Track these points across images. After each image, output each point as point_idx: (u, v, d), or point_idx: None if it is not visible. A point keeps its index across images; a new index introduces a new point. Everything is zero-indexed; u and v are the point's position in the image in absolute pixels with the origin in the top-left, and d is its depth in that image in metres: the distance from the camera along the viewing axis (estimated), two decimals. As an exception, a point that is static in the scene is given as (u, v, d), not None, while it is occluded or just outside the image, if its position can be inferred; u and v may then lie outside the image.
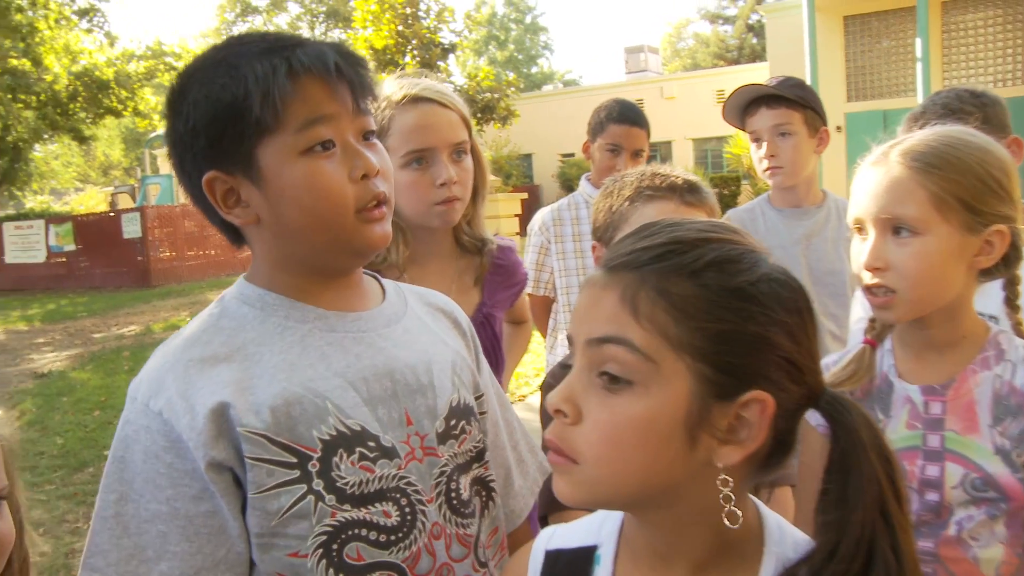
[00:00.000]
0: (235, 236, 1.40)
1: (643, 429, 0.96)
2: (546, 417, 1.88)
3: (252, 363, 1.28)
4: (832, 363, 1.78)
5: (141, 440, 1.23)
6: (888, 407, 1.67)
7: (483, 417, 1.55)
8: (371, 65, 1.40)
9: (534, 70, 66.37)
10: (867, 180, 1.65)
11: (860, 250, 1.66)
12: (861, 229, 1.67)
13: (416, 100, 2.13)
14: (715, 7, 54.29)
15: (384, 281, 1.54)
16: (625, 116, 3.48)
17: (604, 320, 0.99)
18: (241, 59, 1.26)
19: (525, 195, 14.91)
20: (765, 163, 2.93)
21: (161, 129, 30.77)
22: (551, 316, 3.70)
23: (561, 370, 1.80)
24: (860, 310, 2.24)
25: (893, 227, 1.60)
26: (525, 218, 10.18)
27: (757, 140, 2.95)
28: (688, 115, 30.88)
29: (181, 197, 28.58)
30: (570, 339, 1.05)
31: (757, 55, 41.61)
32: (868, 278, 1.63)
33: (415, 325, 1.47)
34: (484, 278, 2.31)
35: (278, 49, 1.27)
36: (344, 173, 1.29)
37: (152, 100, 27.66)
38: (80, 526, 5.44)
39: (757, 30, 45.92)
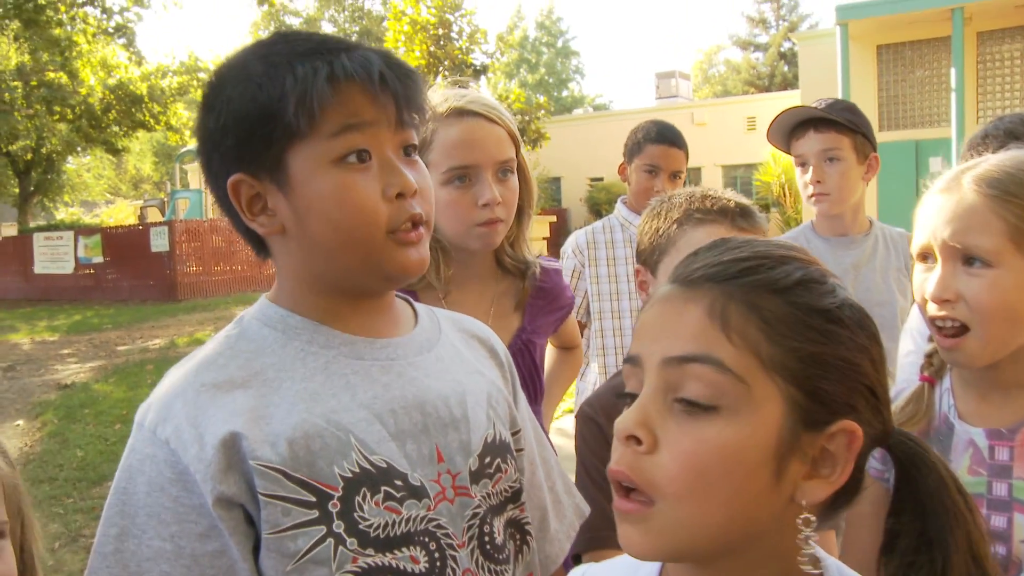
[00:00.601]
0: (260, 246, 1.30)
1: (731, 460, 0.86)
2: (586, 447, 1.77)
3: (270, 390, 1.18)
4: None
5: (146, 471, 1.14)
6: (948, 451, 1.55)
7: (520, 454, 1.44)
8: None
9: (564, 94, 66.49)
10: (936, 207, 1.52)
11: (925, 280, 1.53)
12: (926, 258, 1.54)
13: (462, 113, 1.99)
14: (746, 34, 54.05)
15: (417, 305, 1.43)
16: (664, 136, 3.39)
17: (688, 337, 0.89)
18: (282, 58, 1.19)
19: (554, 218, 14.84)
20: (811, 189, 2.81)
21: (192, 144, 31.12)
22: (584, 341, 3.60)
23: (611, 396, 1.69)
24: (911, 343, 2.12)
25: (964, 257, 1.47)
26: (553, 241, 10.09)
27: (803, 164, 2.84)
28: (718, 141, 30.69)
29: (210, 212, 28.87)
30: (634, 359, 0.93)
31: (788, 83, 41.50)
32: (935, 310, 1.51)
33: (449, 353, 1.37)
34: (525, 302, 2.18)
35: (323, 52, 1.18)
36: (378, 189, 1.20)
37: (184, 115, 27.91)
38: (96, 542, 5.37)
39: (788, 58, 45.86)
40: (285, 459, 1.13)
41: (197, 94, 28.49)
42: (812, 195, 2.83)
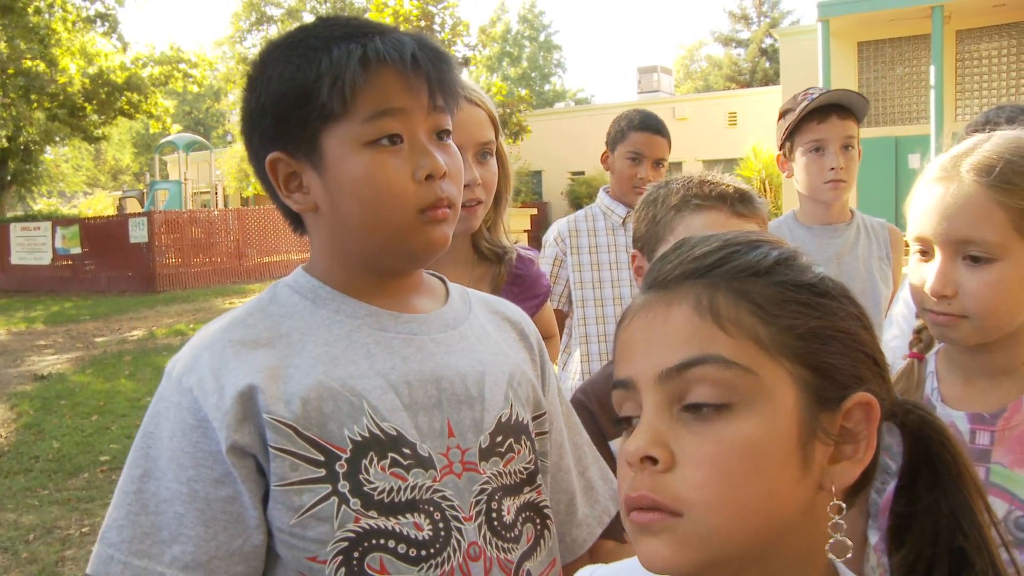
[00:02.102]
0: (297, 222, 1.35)
1: (757, 455, 0.81)
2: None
3: (293, 352, 1.23)
4: None
5: (171, 417, 1.20)
6: None
7: (542, 438, 1.44)
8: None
9: (547, 87, 66.54)
10: (934, 197, 1.48)
11: (923, 273, 1.50)
12: (926, 252, 1.51)
13: None
14: (728, 30, 54.21)
15: (451, 285, 1.46)
16: (647, 124, 3.38)
17: (680, 342, 0.84)
18: (320, 41, 1.23)
19: (535, 211, 14.86)
20: (829, 175, 2.80)
21: (171, 134, 30.95)
22: (565, 331, 3.58)
23: (605, 383, 1.66)
24: (895, 329, 2.11)
25: (966, 251, 1.44)
26: (534, 234, 10.07)
27: (818, 150, 2.82)
28: (700, 136, 30.81)
29: (189, 203, 28.74)
30: (626, 383, 0.88)
31: (769, 79, 41.59)
32: (932, 304, 1.48)
33: (475, 333, 1.39)
34: (501, 288, 2.18)
35: (357, 35, 1.22)
36: (408, 171, 1.23)
37: (165, 104, 27.73)
38: (72, 533, 5.33)
39: (770, 54, 45.98)
40: (298, 416, 1.18)
41: (178, 84, 28.34)
42: (831, 181, 2.81)
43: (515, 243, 2.25)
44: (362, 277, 1.31)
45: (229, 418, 1.16)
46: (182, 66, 27.77)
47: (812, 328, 0.84)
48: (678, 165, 31.98)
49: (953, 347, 1.56)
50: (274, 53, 1.27)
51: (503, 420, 1.33)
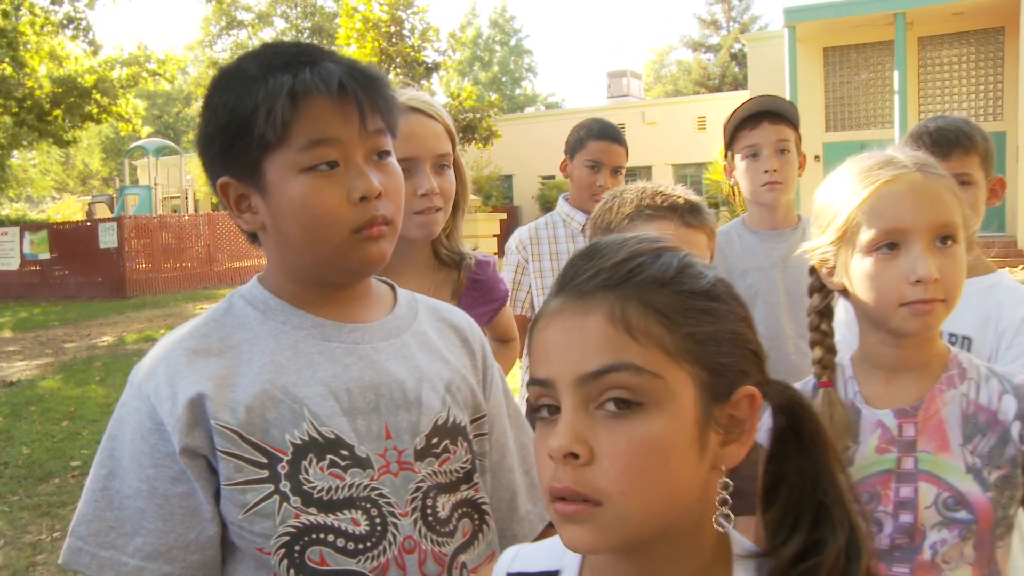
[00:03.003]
0: (253, 236, 1.44)
1: (665, 448, 0.92)
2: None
3: (242, 361, 1.33)
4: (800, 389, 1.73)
5: (131, 421, 1.31)
6: (856, 434, 1.65)
7: (481, 439, 1.54)
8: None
9: (517, 92, 66.67)
10: (901, 191, 1.58)
11: (898, 267, 1.58)
12: (895, 244, 1.59)
13: (403, 109, 2.09)
14: (698, 35, 54.66)
15: (401, 292, 1.55)
16: (605, 133, 3.48)
17: (596, 350, 0.93)
18: (259, 71, 1.30)
19: (504, 216, 14.94)
20: (765, 177, 2.91)
21: (142, 139, 30.72)
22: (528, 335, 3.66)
23: None
24: (836, 335, 2.21)
25: (941, 236, 1.56)
26: (503, 238, 10.19)
27: (754, 155, 2.94)
28: (669, 141, 31.05)
29: (160, 208, 28.53)
30: (545, 382, 0.97)
31: (739, 83, 41.87)
32: (916, 293, 1.56)
33: (416, 340, 1.48)
34: (461, 293, 2.28)
35: (292, 65, 1.29)
36: (343, 194, 1.31)
37: (135, 103, 27.48)
38: (43, 538, 5.37)
39: (739, 59, 46.20)
40: (243, 423, 1.29)
41: (148, 84, 28.06)
42: (766, 183, 2.93)
43: (474, 249, 2.36)
44: (309, 289, 1.40)
45: (181, 423, 1.27)
46: (150, 65, 27.49)
47: (708, 333, 0.96)
48: (648, 169, 32.13)
49: (873, 349, 1.68)
50: (220, 82, 1.35)
51: (439, 423, 1.43)
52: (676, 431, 0.92)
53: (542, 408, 0.98)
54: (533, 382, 0.98)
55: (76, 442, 7.62)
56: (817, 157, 23.27)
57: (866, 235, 1.60)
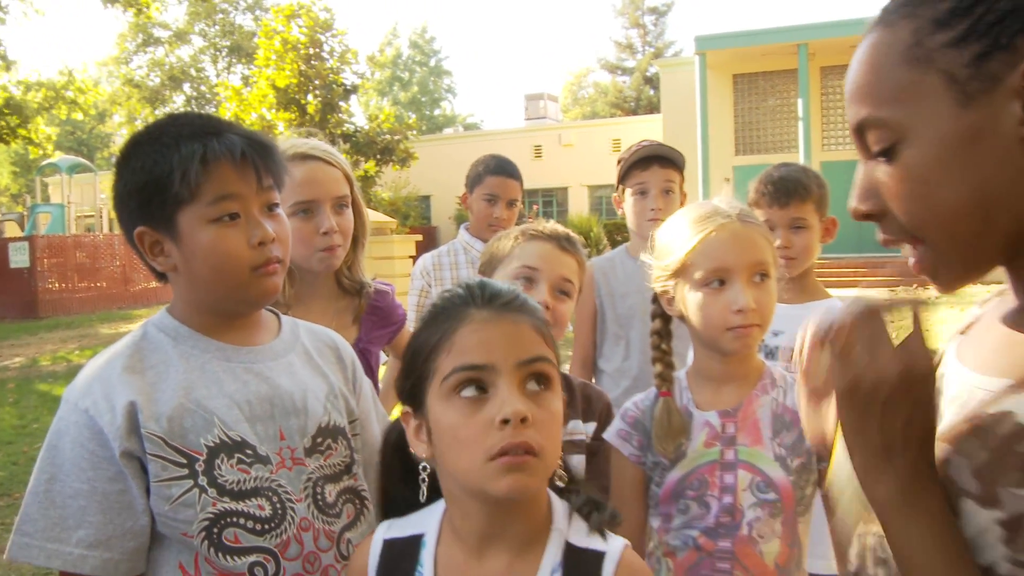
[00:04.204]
0: (161, 276, 1.70)
1: (560, 418, 1.37)
2: None
3: (160, 379, 1.61)
4: (640, 401, 2.10)
5: (71, 432, 1.55)
6: (689, 433, 2.00)
7: (357, 437, 1.84)
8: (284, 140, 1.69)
9: (437, 112, 66.77)
10: (723, 240, 1.95)
11: (725, 297, 1.93)
12: (721, 281, 1.94)
13: (305, 157, 2.40)
14: (614, 58, 55.18)
15: (284, 319, 1.85)
16: (502, 169, 3.83)
17: (528, 345, 1.34)
18: (171, 139, 1.59)
19: (420, 237, 15.14)
20: (651, 214, 3.28)
21: (54, 157, 30.08)
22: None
23: None
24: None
25: (758, 273, 1.94)
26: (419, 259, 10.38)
27: (643, 193, 3.32)
28: (584, 163, 31.61)
29: (73, 227, 27.95)
30: (488, 367, 1.31)
31: (654, 106, 42.42)
32: (741, 320, 1.91)
33: (300, 360, 1.79)
34: (362, 318, 2.57)
35: (202, 135, 1.58)
36: (244, 240, 1.60)
37: (47, 131, 26.90)
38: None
39: (654, 82, 46.55)
40: (165, 430, 1.56)
41: (62, 112, 27.43)
42: (651, 219, 3.27)
43: (373, 278, 2.65)
44: (212, 319, 1.69)
45: (120, 431, 1.53)
46: (68, 93, 26.95)
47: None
48: (564, 190, 32.54)
49: (703, 363, 2.05)
50: (136, 148, 1.62)
51: (323, 426, 1.74)
52: (560, 407, 1.37)
53: (466, 387, 1.32)
54: (465, 367, 1.33)
55: (-10, 464, 7.54)
56: (727, 179, 23.94)
57: (697, 273, 1.96)
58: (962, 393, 1.10)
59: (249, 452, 1.62)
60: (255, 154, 1.61)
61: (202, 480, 1.57)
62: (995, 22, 0.97)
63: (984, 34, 0.98)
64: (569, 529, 1.40)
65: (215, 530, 1.56)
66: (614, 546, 1.38)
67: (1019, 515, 0.96)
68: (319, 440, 1.73)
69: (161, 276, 1.70)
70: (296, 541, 1.63)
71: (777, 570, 1.91)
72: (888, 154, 1.07)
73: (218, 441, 1.59)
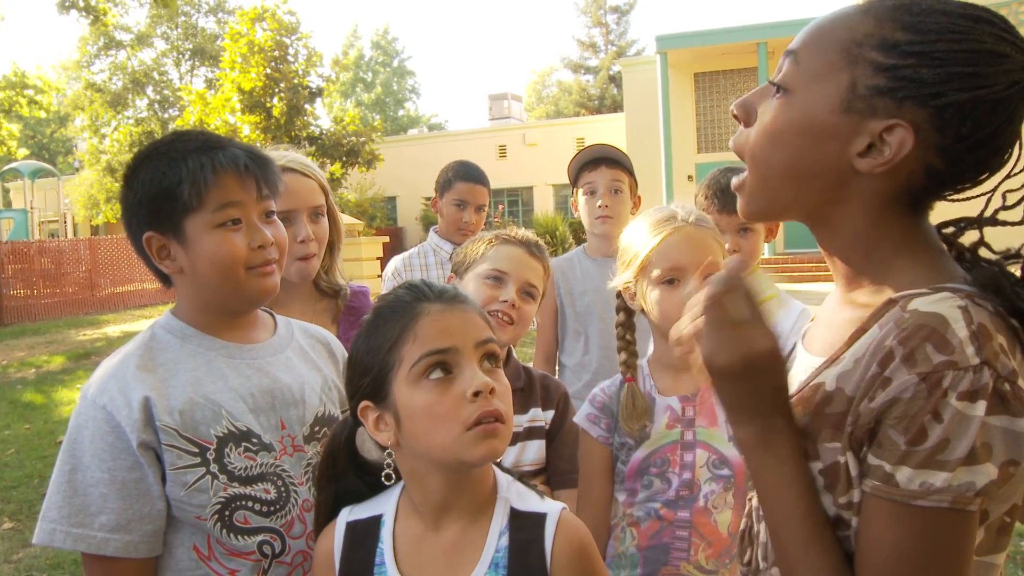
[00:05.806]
0: (165, 280, 1.84)
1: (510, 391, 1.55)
2: None
3: (170, 376, 1.75)
4: (607, 387, 2.28)
5: (89, 426, 1.69)
6: (653, 415, 2.18)
7: None
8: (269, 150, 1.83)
9: (401, 113, 66.57)
10: (679, 240, 2.14)
11: (679, 294, 2.10)
12: (675, 280, 2.14)
13: (283, 170, 2.45)
14: (577, 57, 55.40)
15: (279, 318, 2.00)
16: (470, 175, 4.00)
17: (480, 329, 1.52)
18: (179, 153, 1.74)
19: (387, 239, 15.21)
20: (599, 211, 3.47)
21: (15, 162, 29.68)
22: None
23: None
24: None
25: (709, 273, 2.05)
26: (387, 261, 10.49)
27: (592, 192, 3.51)
28: (549, 161, 31.59)
29: (37, 233, 27.60)
30: (451, 349, 1.47)
31: (618, 105, 42.31)
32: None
33: (296, 354, 1.94)
34: (339, 318, 2.71)
35: (206, 150, 1.74)
36: (245, 244, 1.75)
37: (10, 127, 26.58)
38: (-54, 556, 5.36)
39: (617, 81, 46.35)
40: (178, 423, 1.70)
41: (23, 110, 27.12)
42: (600, 217, 3.50)
43: (349, 281, 2.79)
44: (215, 318, 1.83)
45: (137, 424, 1.66)
46: (28, 92, 26.73)
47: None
48: (529, 189, 32.56)
49: (663, 353, 2.22)
50: (145, 162, 1.77)
51: (319, 415, 1.89)
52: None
53: (434, 371, 1.48)
54: (433, 352, 1.49)
55: (-35, 471, 7.48)
56: (690, 177, 24.20)
57: (655, 271, 2.15)
58: (799, 372, 1.37)
59: (255, 441, 1.76)
60: (256, 166, 1.77)
61: (214, 467, 1.71)
62: (907, 76, 1.17)
63: (895, 77, 1.18)
64: (513, 497, 1.56)
65: (226, 513, 1.71)
66: (553, 508, 1.55)
67: (833, 464, 1.19)
68: (316, 428, 1.88)
69: (165, 279, 1.83)
70: (299, 521, 1.79)
71: (730, 537, 2.09)
72: (780, 91, 1.28)
73: (226, 431, 1.73)
